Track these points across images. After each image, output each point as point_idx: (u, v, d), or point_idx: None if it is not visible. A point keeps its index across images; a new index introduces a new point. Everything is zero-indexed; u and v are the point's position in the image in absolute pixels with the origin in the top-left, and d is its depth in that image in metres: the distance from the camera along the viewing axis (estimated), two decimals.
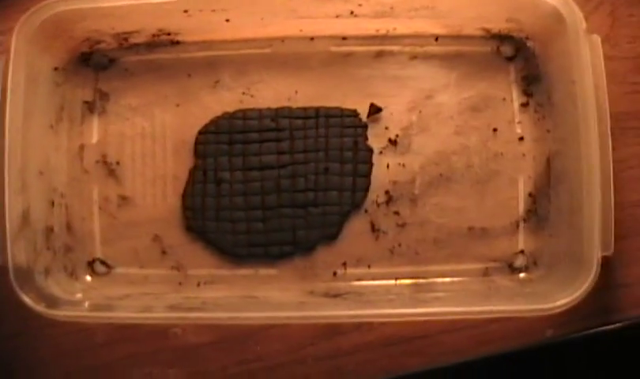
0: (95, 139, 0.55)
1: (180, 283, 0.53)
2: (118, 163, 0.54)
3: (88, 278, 0.54)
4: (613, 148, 0.46)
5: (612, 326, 0.53)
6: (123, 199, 0.54)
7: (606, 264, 0.45)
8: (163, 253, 0.54)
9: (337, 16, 0.53)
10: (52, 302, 0.47)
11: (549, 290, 0.48)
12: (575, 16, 0.47)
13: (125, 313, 0.48)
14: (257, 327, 0.53)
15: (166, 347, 0.52)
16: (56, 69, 0.53)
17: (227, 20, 0.52)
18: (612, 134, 0.47)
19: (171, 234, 0.54)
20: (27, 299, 0.45)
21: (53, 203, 0.52)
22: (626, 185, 0.52)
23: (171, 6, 0.50)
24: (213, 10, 0.51)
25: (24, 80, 0.48)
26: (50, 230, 0.51)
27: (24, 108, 0.48)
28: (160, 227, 0.54)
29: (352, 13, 0.52)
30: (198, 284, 0.53)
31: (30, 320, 0.50)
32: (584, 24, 0.47)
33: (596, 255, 0.44)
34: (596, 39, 0.47)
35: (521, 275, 0.53)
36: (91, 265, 0.54)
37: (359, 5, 0.51)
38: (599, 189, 0.45)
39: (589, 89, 0.46)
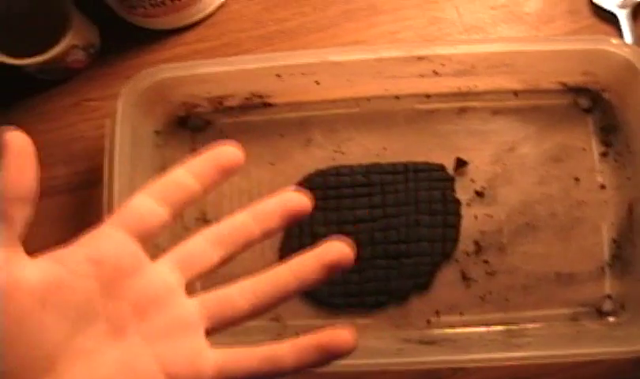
0: None
1: (279, 334, 0.56)
2: (217, 220, 0.57)
3: None
4: None
5: None
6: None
7: None
8: None
9: (421, 76, 0.56)
10: None
11: (638, 334, 0.50)
12: None
13: None
14: (352, 376, 0.54)
15: None
16: (157, 132, 0.57)
17: (317, 83, 0.56)
18: None
19: None
20: None
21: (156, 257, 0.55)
22: None
23: (264, 71, 0.54)
24: (303, 74, 0.55)
25: (129, 143, 0.52)
26: None
27: (130, 168, 0.52)
28: None
29: (434, 72, 0.56)
30: (297, 334, 0.55)
31: None
32: None
33: None
34: None
35: (610, 319, 0.55)
36: None
37: (442, 64, 0.54)
38: None
39: None
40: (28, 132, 0.60)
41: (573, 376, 0.54)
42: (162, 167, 0.58)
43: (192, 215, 0.58)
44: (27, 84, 0.61)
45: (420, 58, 0.53)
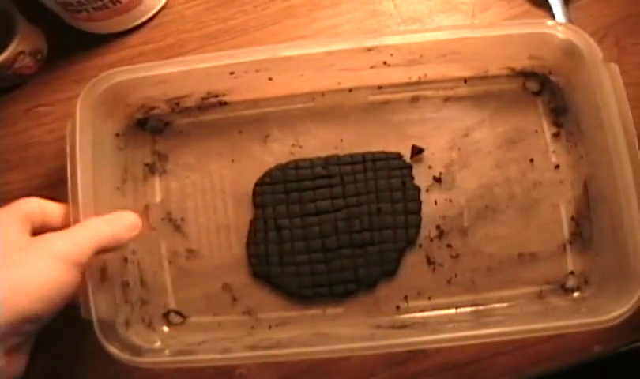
0: (158, 198, 0.57)
1: (253, 327, 0.55)
2: (182, 218, 0.57)
3: (165, 328, 0.55)
4: None
5: None
6: (190, 252, 0.56)
7: None
8: (234, 299, 0.56)
9: (372, 67, 0.56)
10: (135, 351, 0.48)
11: (602, 306, 0.50)
12: (591, 48, 0.51)
13: (205, 356, 0.49)
14: (319, 362, 0.55)
15: None
16: (117, 134, 0.56)
17: (270, 79, 0.56)
18: None
19: (239, 281, 0.56)
20: (112, 349, 0.47)
21: (126, 259, 0.54)
22: None
23: (218, 70, 0.53)
24: (257, 71, 0.54)
25: (91, 145, 0.50)
26: (126, 284, 0.53)
27: (93, 170, 0.50)
28: (228, 276, 0.56)
29: (384, 63, 0.55)
30: (270, 327, 0.55)
31: (114, 370, 0.51)
32: (600, 54, 0.51)
33: None
34: (614, 67, 0.50)
35: (575, 294, 0.55)
36: (166, 316, 0.56)
37: (391, 55, 0.54)
38: (637, 206, 0.48)
39: (613, 114, 0.49)
40: None
41: (533, 353, 0.55)
42: (125, 169, 0.56)
43: (158, 216, 0.57)
44: None
45: (370, 50, 0.53)
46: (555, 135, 0.58)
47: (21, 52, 0.57)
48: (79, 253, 0.43)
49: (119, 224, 0.47)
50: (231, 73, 0.54)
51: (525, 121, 0.59)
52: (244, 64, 0.53)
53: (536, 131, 0.58)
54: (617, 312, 0.47)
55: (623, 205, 0.49)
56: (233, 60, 0.52)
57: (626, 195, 0.49)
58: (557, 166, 0.57)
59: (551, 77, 0.59)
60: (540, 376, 0.54)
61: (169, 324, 0.55)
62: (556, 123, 0.58)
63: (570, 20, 0.60)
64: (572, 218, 0.56)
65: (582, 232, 0.56)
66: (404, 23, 0.62)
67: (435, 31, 0.53)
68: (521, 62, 0.58)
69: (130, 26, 0.62)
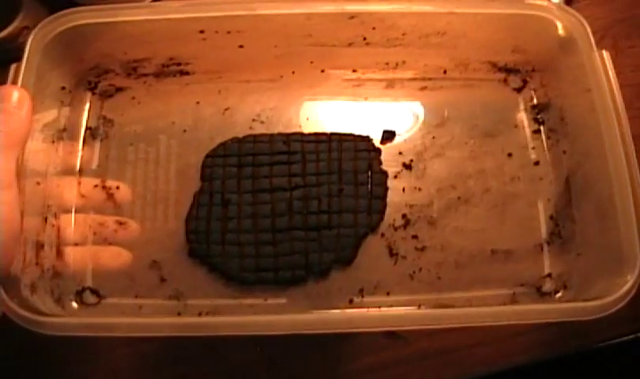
0: (95, 164, 0.47)
1: (179, 314, 0.43)
2: (117, 187, 0.46)
3: (75, 305, 0.43)
4: None
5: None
6: (120, 224, 0.45)
7: None
8: (162, 280, 0.44)
9: (350, 45, 0.48)
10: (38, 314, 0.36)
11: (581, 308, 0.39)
12: (585, 30, 0.44)
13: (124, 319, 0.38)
14: (300, 345, 0.48)
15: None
16: (63, 88, 0.46)
17: (241, 47, 0.47)
18: None
19: (172, 259, 0.44)
20: (12, 305, 0.35)
21: (46, 220, 0.43)
22: None
23: (188, 25, 0.44)
24: (229, 32, 0.45)
25: (32, 86, 0.41)
26: (40, 246, 0.41)
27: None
28: (159, 252, 0.45)
29: (364, 39, 0.47)
30: (200, 315, 0.43)
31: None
32: (592, 38, 0.43)
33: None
34: (607, 54, 0.43)
35: (552, 299, 0.44)
36: (80, 294, 0.44)
37: (373, 28, 0.46)
38: (630, 191, 0.39)
39: (605, 94, 0.41)
40: None
41: (510, 345, 0.49)
42: (64, 126, 0.46)
43: (90, 183, 0.46)
44: None
45: (352, 17, 0.44)
46: (536, 132, 0.49)
47: (25, 27, 0.54)
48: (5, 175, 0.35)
49: (17, 114, 0.38)
50: (201, 32, 0.45)
51: (504, 115, 0.50)
52: (217, 20, 0.44)
53: (516, 126, 0.49)
54: (609, 298, 0.37)
55: (615, 186, 0.40)
56: (206, 13, 0.44)
57: (619, 175, 0.40)
58: (537, 163, 0.48)
59: (534, 74, 0.50)
60: (517, 367, 0.49)
61: (81, 303, 0.44)
62: (537, 120, 0.49)
63: None
64: (551, 217, 0.46)
65: (562, 232, 0.46)
66: None
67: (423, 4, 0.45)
68: (504, 57, 0.49)
69: None
